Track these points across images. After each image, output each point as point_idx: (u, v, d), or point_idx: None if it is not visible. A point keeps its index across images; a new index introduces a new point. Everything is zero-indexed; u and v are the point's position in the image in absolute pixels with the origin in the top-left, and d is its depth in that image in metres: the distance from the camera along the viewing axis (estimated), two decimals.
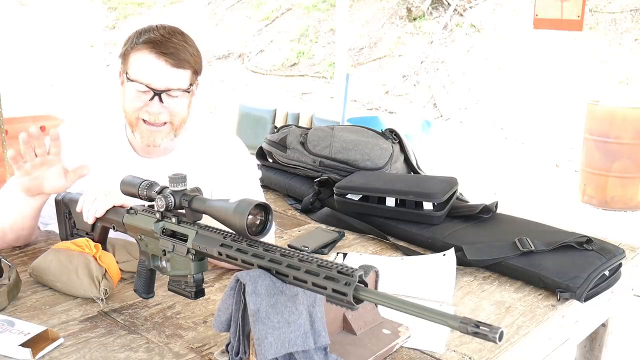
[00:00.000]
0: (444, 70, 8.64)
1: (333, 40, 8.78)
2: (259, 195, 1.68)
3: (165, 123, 1.52)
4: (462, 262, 1.53)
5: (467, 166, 6.02)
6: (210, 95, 9.13)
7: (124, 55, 1.52)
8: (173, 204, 1.13)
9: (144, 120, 1.52)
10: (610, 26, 8.01)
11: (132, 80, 1.48)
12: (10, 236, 1.55)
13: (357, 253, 1.63)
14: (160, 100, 1.49)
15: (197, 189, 1.14)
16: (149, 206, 1.24)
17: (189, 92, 1.53)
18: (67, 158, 1.52)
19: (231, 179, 1.62)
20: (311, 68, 9.74)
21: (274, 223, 1.07)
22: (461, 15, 9.19)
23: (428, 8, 9.43)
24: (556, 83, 7.51)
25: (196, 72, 1.54)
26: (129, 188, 1.22)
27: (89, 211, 1.35)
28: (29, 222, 1.54)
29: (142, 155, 1.63)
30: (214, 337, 1.18)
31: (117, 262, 1.36)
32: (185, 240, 1.13)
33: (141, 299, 1.30)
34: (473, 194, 2.06)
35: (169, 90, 1.49)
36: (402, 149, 2.12)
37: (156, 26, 1.52)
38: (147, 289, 1.28)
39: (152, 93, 1.48)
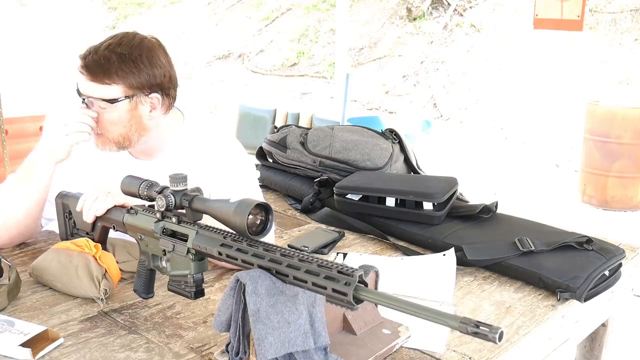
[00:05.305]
0: (444, 70, 8.64)
1: (333, 40, 8.78)
2: (258, 196, 1.68)
3: (98, 133, 1.52)
4: (462, 262, 1.53)
5: (467, 166, 6.01)
6: (210, 95, 9.13)
7: None
8: (173, 204, 1.13)
9: None
10: (610, 26, 8.01)
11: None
12: (25, 221, 1.56)
13: (357, 253, 1.62)
14: (87, 106, 1.50)
15: (198, 189, 1.15)
16: (149, 206, 1.25)
17: (112, 103, 1.48)
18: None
19: (229, 180, 1.61)
20: (311, 68, 9.73)
21: (274, 223, 1.07)
22: (461, 15, 9.19)
23: (428, 8, 9.43)
24: (556, 83, 7.51)
25: (136, 87, 1.48)
26: (130, 188, 1.22)
27: (90, 210, 1.36)
28: (44, 194, 1.55)
29: (138, 158, 1.62)
30: (214, 337, 1.18)
31: (117, 262, 1.36)
32: (186, 240, 1.13)
33: (141, 299, 1.30)
34: (473, 194, 2.06)
35: (91, 97, 1.49)
36: (402, 149, 2.12)
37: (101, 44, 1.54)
38: (146, 289, 1.28)
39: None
